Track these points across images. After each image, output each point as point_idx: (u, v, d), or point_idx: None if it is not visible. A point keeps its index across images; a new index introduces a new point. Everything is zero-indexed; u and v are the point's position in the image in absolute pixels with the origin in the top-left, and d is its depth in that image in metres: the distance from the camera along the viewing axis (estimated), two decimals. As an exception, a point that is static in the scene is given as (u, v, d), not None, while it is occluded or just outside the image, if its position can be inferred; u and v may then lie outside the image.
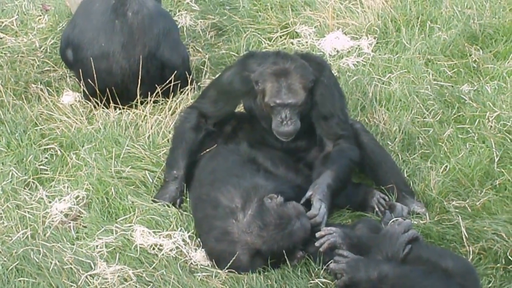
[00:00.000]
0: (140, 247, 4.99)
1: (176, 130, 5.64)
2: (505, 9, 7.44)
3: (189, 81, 6.38)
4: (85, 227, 5.26)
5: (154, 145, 5.80)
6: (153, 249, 4.99)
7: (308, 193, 5.06)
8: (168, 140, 5.82)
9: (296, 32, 7.24)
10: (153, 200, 5.36)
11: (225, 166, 5.22)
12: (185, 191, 5.44)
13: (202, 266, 4.93)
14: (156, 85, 6.24)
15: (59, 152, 5.87)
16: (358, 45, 7.03)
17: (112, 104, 6.27)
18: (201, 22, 7.50)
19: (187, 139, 5.51)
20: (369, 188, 5.46)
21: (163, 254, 4.94)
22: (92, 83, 6.21)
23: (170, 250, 4.98)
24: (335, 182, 5.12)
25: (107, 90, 6.23)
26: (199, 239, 5.08)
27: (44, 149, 5.90)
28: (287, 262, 4.83)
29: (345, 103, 5.63)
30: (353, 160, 5.34)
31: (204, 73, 6.69)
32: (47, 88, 6.54)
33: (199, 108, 5.59)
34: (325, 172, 5.15)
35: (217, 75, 5.99)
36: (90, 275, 4.79)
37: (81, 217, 5.35)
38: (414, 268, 4.44)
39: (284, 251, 4.77)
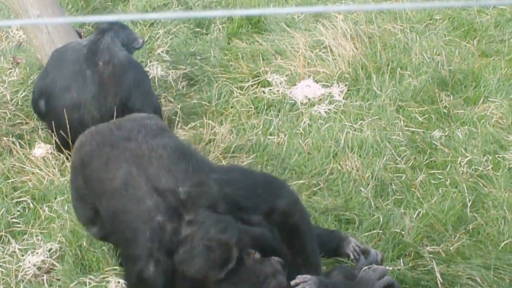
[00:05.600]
0: (114, 299, 4.96)
1: None
2: (474, 55, 7.53)
3: (161, 131, 6.37)
4: (58, 279, 5.22)
5: (127, 195, 5.77)
6: (128, 300, 4.95)
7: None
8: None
9: (268, 81, 7.26)
10: None
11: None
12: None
13: (177, 317, 4.89)
14: (129, 136, 6.22)
15: (31, 205, 5.83)
16: (330, 93, 7.06)
17: (84, 156, 6.24)
18: (172, 72, 7.51)
19: None
20: (344, 234, 5.44)
21: (138, 306, 4.90)
22: (64, 134, 6.19)
23: (145, 302, 4.93)
24: (312, 266, 4.85)
25: (79, 141, 6.21)
26: None
27: (16, 202, 5.86)
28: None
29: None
30: (308, 223, 4.95)
31: (176, 123, 6.68)
32: (19, 140, 6.50)
33: None
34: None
35: None
36: (64, 329, 4.75)
37: (54, 269, 5.30)
38: (390, 314, 4.44)
39: None
